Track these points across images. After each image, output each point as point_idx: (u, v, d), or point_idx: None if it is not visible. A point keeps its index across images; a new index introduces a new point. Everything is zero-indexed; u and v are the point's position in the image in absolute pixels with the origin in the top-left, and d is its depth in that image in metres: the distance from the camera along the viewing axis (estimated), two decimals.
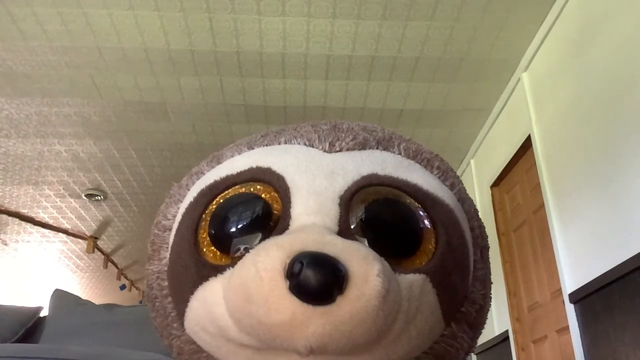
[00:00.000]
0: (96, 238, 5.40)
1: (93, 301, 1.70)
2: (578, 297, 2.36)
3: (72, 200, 4.59)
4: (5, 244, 5.44)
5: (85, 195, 4.49)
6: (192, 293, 0.48)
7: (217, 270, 0.47)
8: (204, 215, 0.51)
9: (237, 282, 0.43)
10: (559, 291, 2.61)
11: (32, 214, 4.82)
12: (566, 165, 2.53)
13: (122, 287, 6.51)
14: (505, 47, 2.85)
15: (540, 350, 2.91)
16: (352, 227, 0.47)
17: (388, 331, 0.43)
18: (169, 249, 0.55)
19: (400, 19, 2.64)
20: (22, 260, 5.87)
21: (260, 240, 0.47)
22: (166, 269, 0.55)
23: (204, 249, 0.49)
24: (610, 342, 2.12)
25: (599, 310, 2.21)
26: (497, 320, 3.38)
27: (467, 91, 3.21)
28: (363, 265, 0.41)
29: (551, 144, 2.70)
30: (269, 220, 0.48)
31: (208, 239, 0.50)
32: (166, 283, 0.55)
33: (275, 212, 0.49)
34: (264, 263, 0.41)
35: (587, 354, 2.30)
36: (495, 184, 3.49)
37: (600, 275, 2.18)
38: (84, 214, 4.88)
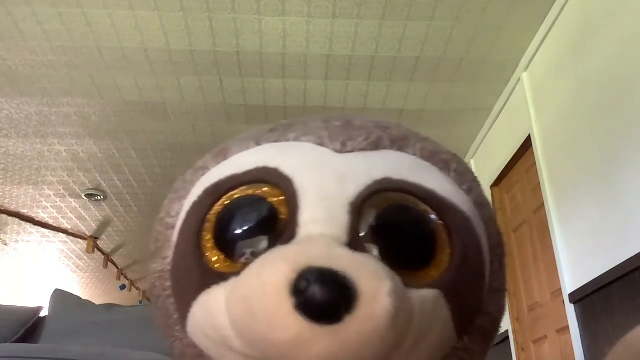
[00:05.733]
0: (96, 238, 5.39)
1: (93, 301, 1.70)
2: (578, 297, 2.36)
3: (72, 200, 4.59)
4: (5, 244, 5.43)
5: (85, 195, 4.49)
6: (194, 299, 0.47)
7: (221, 277, 0.45)
8: (208, 217, 0.49)
9: (240, 295, 0.41)
10: (559, 291, 2.61)
11: (32, 214, 4.81)
12: (566, 165, 2.53)
13: (122, 287, 6.50)
14: (505, 47, 2.85)
15: (540, 350, 2.91)
16: (362, 234, 0.46)
17: (397, 349, 0.42)
18: (172, 247, 0.54)
19: (400, 19, 2.64)
20: (22, 260, 5.86)
21: (267, 245, 0.45)
22: (169, 268, 0.54)
23: (207, 253, 0.48)
24: (610, 342, 2.11)
25: (599, 310, 2.21)
26: None
27: (467, 91, 3.21)
28: (373, 282, 0.40)
29: (551, 144, 2.70)
30: (275, 225, 0.47)
31: (212, 242, 0.48)
32: (169, 283, 0.53)
33: (282, 217, 0.47)
34: (269, 276, 0.40)
35: (587, 354, 2.30)
36: (495, 184, 3.49)
37: (600, 275, 2.18)
38: (84, 214, 4.88)
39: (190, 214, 0.52)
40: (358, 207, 0.46)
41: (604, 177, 2.21)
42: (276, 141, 0.56)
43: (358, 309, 0.39)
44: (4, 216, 4.76)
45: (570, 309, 2.43)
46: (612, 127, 2.16)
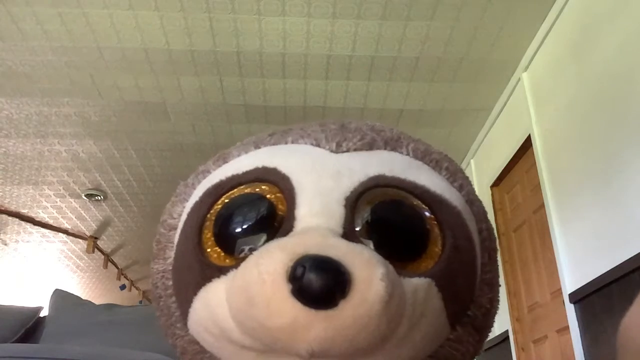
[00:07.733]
0: (96, 238, 5.40)
1: (93, 301, 1.70)
2: (578, 297, 2.36)
3: (72, 200, 4.59)
4: (5, 244, 5.44)
5: (85, 195, 4.49)
6: (195, 294, 0.48)
7: (221, 271, 0.46)
8: (208, 215, 0.51)
9: (239, 284, 0.42)
10: (559, 291, 2.61)
11: (32, 214, 4.81)
12: (566, 165, 2.53)
13: (122, 287, 6.51)
14: (505, 47, 2.85)
15: (540, 350, 2.91)
16: (357, 229, 0.47)
17: (391, 336, 0.43)
18: (174, 248, 0.55)
19: (400, 19, 2.64)
20: (22, 260, 5.87)
21: (265, 241, 0.46)
22: (171, 268, 0.55)
23: (208, 249, 0.49)
24: (610, 342, 2.12)
25: (599, 310, 2.21)
26: (497, 320, 3.35)
27: (467, 91, 3.21)
28: (366, 268, 0.41)
29: (551, 144, 2.70)
30: (273, 221, 0.48)
31: (212, 239, 0.49)
32: (170, 283, 0.55)
33: (280, 212, 0.48)
34: (267, 266, 0.41)
35: (587, 354, 2.30)
36: (495, 184, 3.49)
37: (600, 275, 2.18)
38: (84, 214, 4.88)
39: (191, 214, 0.53)
40: (353, 202, 0.48)
41: (604, 177, 2.21)
42: (275, 144, 0.58)
43: (352, 294, 0.40)
44: (4, 216, 4.76)
45: (570, 309, 2.43)
46: (612, 127, 2.16)
